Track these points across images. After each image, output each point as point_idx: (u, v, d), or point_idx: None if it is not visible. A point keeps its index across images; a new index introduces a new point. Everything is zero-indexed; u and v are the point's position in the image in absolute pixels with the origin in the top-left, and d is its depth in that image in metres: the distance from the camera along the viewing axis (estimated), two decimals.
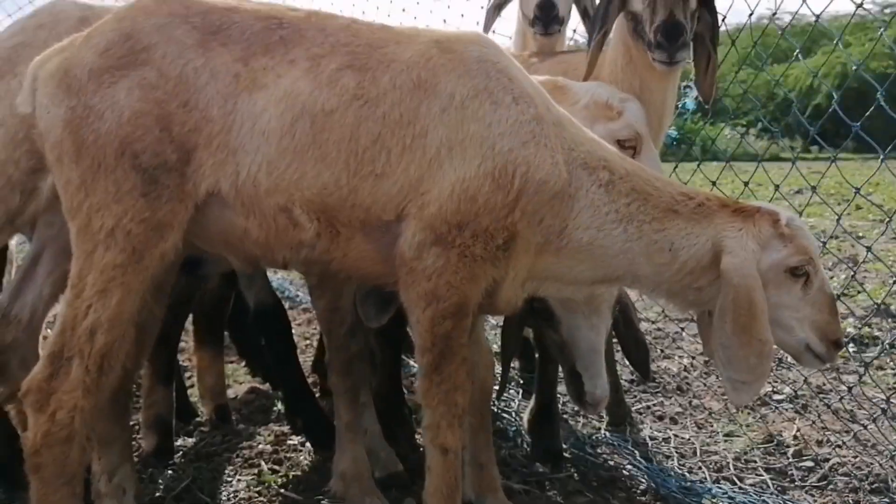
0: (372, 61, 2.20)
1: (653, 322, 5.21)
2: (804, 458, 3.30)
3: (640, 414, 3.81)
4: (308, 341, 5.18)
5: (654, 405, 3.93)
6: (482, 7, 4.46)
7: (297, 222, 2.17)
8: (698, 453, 3.38)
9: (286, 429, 3.69)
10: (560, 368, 2.82)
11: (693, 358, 4.50)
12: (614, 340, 3.15)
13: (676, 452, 3.40)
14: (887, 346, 4.54)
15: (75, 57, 2.16)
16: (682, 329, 4.80)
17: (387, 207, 2.18)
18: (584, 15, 3.74)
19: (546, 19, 3.48)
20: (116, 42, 2.15)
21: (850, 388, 3.52)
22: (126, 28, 2.17)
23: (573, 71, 3.23)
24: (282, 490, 3.07)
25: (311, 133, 2.13)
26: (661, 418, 3.77)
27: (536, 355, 3.34)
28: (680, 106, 4.00)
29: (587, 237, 2.28)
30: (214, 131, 2.12)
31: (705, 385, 4.16)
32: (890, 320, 5.12)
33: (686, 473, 3.18)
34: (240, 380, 4.43)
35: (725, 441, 3.45)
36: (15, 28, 2.67)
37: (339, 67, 2.17)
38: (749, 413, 3.72)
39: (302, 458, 3.37)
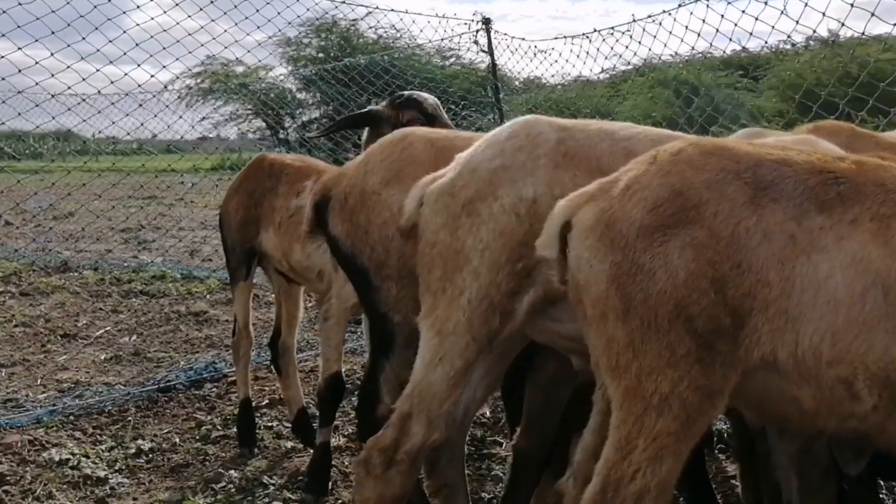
0: None
1: None
2: None
3: None
4: None
5: None
6: None
7: (857, 395, 2.03)
8: None
9: None
10: None
11: None
12: None
13: None
14: None
15: (619, 211, 2.13)
16: None
17: None
18: None
19: None
20: (666, 199, 2.09)
21: None
22: (675, 183, 2.11)
23: None
24: None
25: (885, 304, 1.98)
26: None
27: None
28: None
29: None
30: (771, 296, 2.02)
31: None
32: None
33: None
34: None
35: None
36: (493, 149, 2.69)
37: None
38: None
39: None
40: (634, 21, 6.68)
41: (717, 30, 6.01)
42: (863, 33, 5.26)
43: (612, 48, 7.07)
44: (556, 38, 8.39)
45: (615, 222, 2.12)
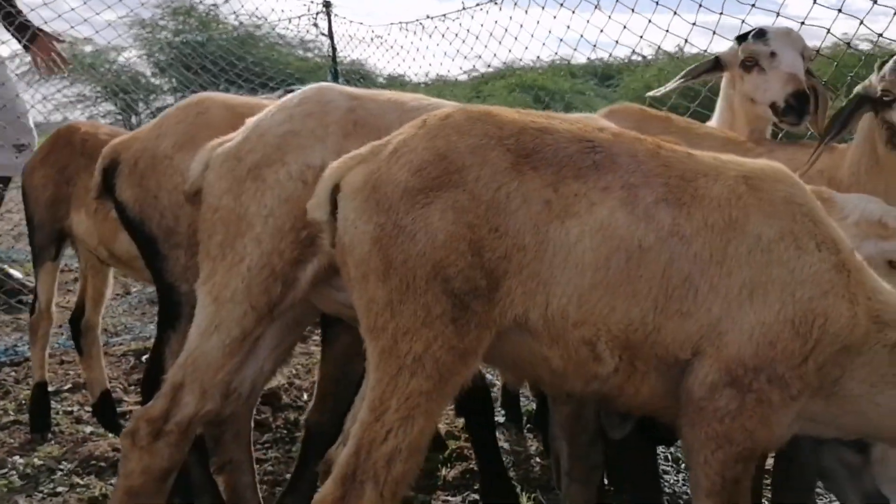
0: (686, 196, 2.14)
1: None
2: None
3: None
4: None
5: None
6: None
7: (599, 356, 2.12)
8: None
9: None
10: None
11: None
12: None
13: None
14: None
15: (385, 173, 2.13)
16: None
17: (685, 346, 2.12)
18: None
19: (802, 110, 3.38)
20: (431, 162, 2.11)
21: None
22: (440, 147, 2.13)
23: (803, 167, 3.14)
24: None
25: (627, 268, 2.07)
26: None
27: None
28: None
29: (858, 391, 2.20)
30: (526, 260, 2.07)
31: None
32: None
33: None
34: None
35: None
36: (282, 115, 2.64)
37: (656, 201, 2.11)
38: None
39: None
40: (464, 9, 6.82)
41: (582, 35, 6.19)
42: (705, 51, 5.54)
43: (447, 41, 7.18)
44: (391, 24, 8.44)
45: (381, 184, 2.12)
